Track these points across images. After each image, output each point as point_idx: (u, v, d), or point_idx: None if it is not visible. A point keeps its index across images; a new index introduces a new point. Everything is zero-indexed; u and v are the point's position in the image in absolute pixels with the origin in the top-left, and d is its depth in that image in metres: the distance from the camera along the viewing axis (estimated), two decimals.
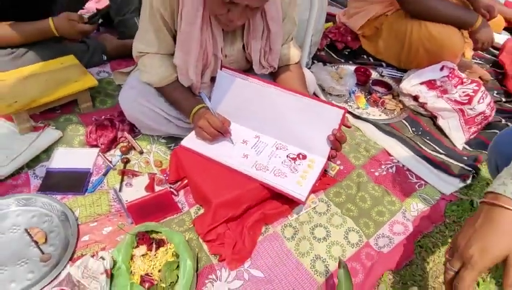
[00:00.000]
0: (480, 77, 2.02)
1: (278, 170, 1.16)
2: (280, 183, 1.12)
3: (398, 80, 1.86)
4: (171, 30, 1.19)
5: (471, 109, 1.64)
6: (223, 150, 1.21)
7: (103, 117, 1.41)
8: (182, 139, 1.26)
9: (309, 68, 1.82)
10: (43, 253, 1.04)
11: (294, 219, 1.18)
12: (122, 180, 1.24)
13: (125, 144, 1.34)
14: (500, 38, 2.33)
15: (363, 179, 1.34)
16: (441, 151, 1.53)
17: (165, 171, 1.29)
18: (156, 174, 1.27)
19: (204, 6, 1.10)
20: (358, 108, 1.72)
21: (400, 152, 1.48)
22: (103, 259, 0.98)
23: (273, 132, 1.25)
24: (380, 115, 1.70)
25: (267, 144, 1.24)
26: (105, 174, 1.26)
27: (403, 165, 1.43)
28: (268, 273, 1.04)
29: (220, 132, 1.20)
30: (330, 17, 2.36)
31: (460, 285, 0.70)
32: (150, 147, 1.37)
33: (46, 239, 1.07)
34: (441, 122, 1.66)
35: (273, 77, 1.35)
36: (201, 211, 1.17)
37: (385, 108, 1.74)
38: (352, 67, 1.93)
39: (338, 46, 2.13)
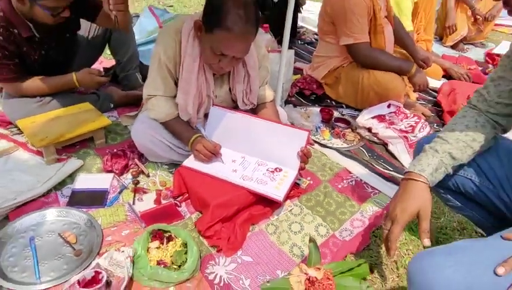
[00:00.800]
0: (423, 114, 2.45)
1: (260, 180, 1.48)
2: (262, 188, 1.44)
3: (355, 117, 2.26)
4: (173, 77, 1.56)
5: (414, 136, 2.04)
6: (216, 167, 1.53)
7: (115, 150, 1.72)
8: (180, 164, 1.57)
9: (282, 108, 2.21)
10: (75, 250, 1.30)
11: (275, 219, 1.49)
12: (134, 196, 1.53)
13: (135, 169, 1.65)
14: (438, 83, 2.83)
15: (329, 189, 1.67)
16: (391, 169, 1.89)
17: (169, 189, 1.58)
18: (162, 190, 1.57)
19: (200, 58, 1.49)
20: (324, 139, 2.09)
21: (358, 170, 1.83)
22: (125, 252, 1.25)
23: (255, 152, 1.59)
24: (342, 144, 2.07)
25: (251, 162, 1.57)
26: (120, 192, 1.55)
27: (361, 180, 1.77)
28: (256, 258, 1.32)
29: (213, 153, 1.53)
30: (298, 71, 2.82)
31: (391, 236, 1.03)
32: (155, 172, 1.68)
33: (76, 240, 1.33)
34: (390, 147, 2.04)
35: (254, 111, 1.72)
36: (201, 215, 1.46)
37: (346, 139, 2.11)
38: (317, 109, 2.34)
39: (306, 93, 2.55)
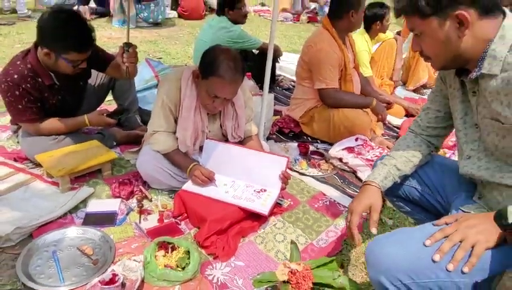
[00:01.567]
0: (387, 147, 2.81)
1: (249, 198, 1.76)
2: (251, 205, 1.72)
3: (329, 150, 2.60)
4: (174, 116, 1.87)
5: None
6: (210, 190, 1.81)
7: (121, 179, 1.98)
8: (178, 190, 1.84)
9: None
10: (92, 259, 1.52)
11: (261, 231, 1.75)
12: (140, 217, 1.78)
13: (140, 195, 1.90)
14: (400, 121, 3.23)
15: (307, 208, 1.96)
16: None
17: (170, 210, 1.83)
18: (163, 212, 1.82)
19: (197, 99, 1.82)
20: (302, 169, 2.39)
21: (332, 193, 2.13)
22: (136, 259, 1.49)
23: (243, 177, 1.88)
24: (317, 173, 2.37)
25: (240, 185, 1.86)
26: (127, 214, 1.79)
27: (334, 200, 2.07)
28: (247, 262, 1.57)
29: (208, 178, 1.82)
30: (277, 112, 3.17)
31: (351, 224, 1.31)
32: (157, 197, 1.94)
33: (93, 252, 1.56)
34: (359, 174, 2.36)
35: (241, 143, 2.02)
36: (198, 230, 1.71)
37: (321, 168, 2.43)
38: (295, 144, 2.67)
39: (285, 131, 2.89)
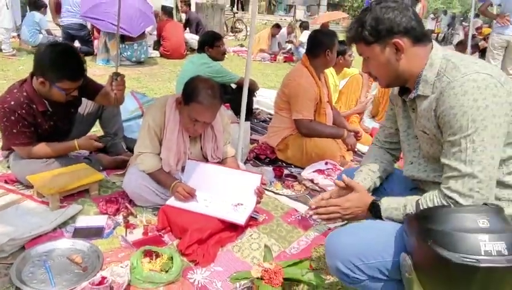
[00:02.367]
0: None
1: (227, 211, 1.94)
2: (228, 216, 1.89)
3: (301, 173, 2.81)
4: (159, 139, 2.07)
5: None
6: (192, 205, 1.98)
7: (107, 198, 2.12)
8: (159, 208, 2.00)
9: None
10: (81, 267, 1.64)
11: (239, 241, 1.92)
12: (126, 230, 1.92)
13: (126, 212, 2.05)
14: (367, 148, 3.50)
15: (280, 222, 2.14)
16: None
17: (154, 225, 1.98)
18: (148, 226, 1.96)
19: (179, 124, 2.03)
20: (276, 190, 2.59)
21: (304, 209, 2.33)
22: (123, 267, 1.62)
23: (222, 192, 2.06)
24: (291, 193, 2.57)
25: (219, 200, 2.04)
26: (114, 228, 1.93)
27: (305, 215, 2.26)
28: (225, 267, 1.73)
29: (189, 194, 1.99)
30: (254, 141, 3.41)
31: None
32: (142, 213, 2.08)
33: (82, 261, 1.68)
34: None
35: (219, 163, 2.22)
36: (180, 240, 1.86)
37: (294, 189, 2.63)
38: (271, 168, 2.88)
39: (261, 157, 3.11)
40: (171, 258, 1.67)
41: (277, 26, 9.31)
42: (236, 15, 13.68)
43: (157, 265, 1.64)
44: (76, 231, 1.87)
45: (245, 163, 2.91)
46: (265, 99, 4.73)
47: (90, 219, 1.98)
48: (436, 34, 15.54)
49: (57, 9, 6.77)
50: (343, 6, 24.94)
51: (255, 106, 4.44)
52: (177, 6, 9.95)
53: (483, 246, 1.01)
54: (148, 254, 1.69)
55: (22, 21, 6.79)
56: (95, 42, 6.73)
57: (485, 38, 8.03)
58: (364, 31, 1.32)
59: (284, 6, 19.08)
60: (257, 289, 1.49)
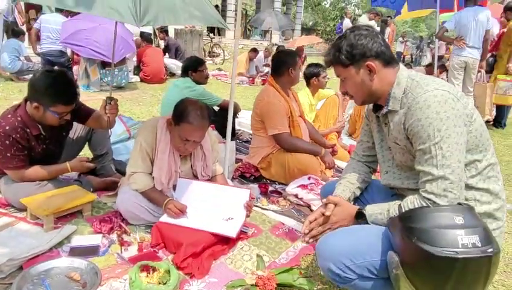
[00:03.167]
0: None
1: (218, 225, 2.04)
2: (220, 230, 1.99)
3: (285, 189, 2.94)
4: (150, 158, 2.16)
5: None
6: (184, 221, 2.06)
7: (101, 218, 2.18)
8: (152, 225, 2.08)
9: None
10: (80, 283, 1.70)
11: (231, 254, 2.01)
12: (121, 248, 1.98)
13: (119, 230, 2.11)
14: (345, 164, 3.68)
15: (268, 234, 2.25)
16: None
17: (148, 242, 2.05)
18: (142, 242, 2.03)
19: (170, 143, 2.14)
20: (263, 206, 2.71)
21: (290, 222, 2.45)
22: (121, 282, 1.69)
23: (212, 207, 2.16)
24: (277, 208, 2.69)
25: (210, 215, 2.13)
26: (109, 246, 1.99)
27: (292, 228, 2.38)
28: (220, 279, 1.81)
29: (181, 211, 2.08)
30: (239, 160, 3.53)
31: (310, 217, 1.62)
32: (135, 231, 2.15)
33: (80, 278, 1.73)
34: (313, 207, 2.71)
35: (209, 181, 2.33)
36: (175, 254, 1.94)
37: (279, 204, 2.75)
38: (256, 185, 3.00)
39: (246, 176, 3.22)
40: (168, 271, 1.74)
41: (254, 50, 9.60)
42: (213, 40, 13.99)
43: (155, 278, 1.72)
44: (73, 250, 1.92)
45: (232, 181, 3.03)
46: (247, 121, 4.89)
47: (85, 238, 2.03)
48: (404, 56, 16.33)
49: (37, 37, 6.81)
50: (316, 30, 25.90)
51: (237, 127, 4.59)
52: (155, 33, 10.15)
53: (461, 240, 1.17)
54: (145, 268, 1.76)
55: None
56: (74, 68, 6.77)
57: None
58: (341, 55, 1.50)
59: (259, 31, 19.63)
60: None
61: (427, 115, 1.33)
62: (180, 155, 2.21)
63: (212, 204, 2.17)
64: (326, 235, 1.48)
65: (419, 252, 1.19)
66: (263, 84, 8.90)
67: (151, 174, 2.16)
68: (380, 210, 1.48)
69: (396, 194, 1.66)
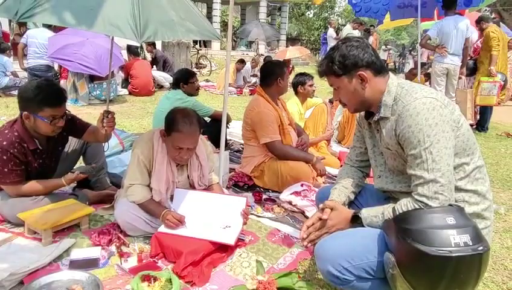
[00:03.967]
0: None
1: (216, 233, 2.08)
2: (218, 238, 2.03)
3: (279, 197, 3.00)
4: (148, 170, 2.20)
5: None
6: (182, 230, 2.10)
7: (99, 230, 2.20)
8: (151, 236, 2.11)
9: None
10: None
11: (230, 261, 2.05)
12: (121, 259, 2.00)
13: (118, 242, 2.13)
14: (336, 171, 3.76)
15: (265, 241, 2.30)
16: None
17: (147, 252, 2.08)
18: (141, 253, 2.06)
19: (167, 154, 2.18)
20: (258, 213, 2.75)
21: (285, 228, 2.50)
22: None
23: (210, 216, 2.20)
24: (271, 215, 2.74)
25: (208, 223, 2.17)
26: (109, 258, 2.01)
27: (288, 234, 2.43)
28: (220, 286, 1.85)
29: (179, 221, 2.11)
30: (231, 170, 3.57)
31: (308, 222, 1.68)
32: (134, 243, 2.17)
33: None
34: (307, 213, 2.76)
35: (206, 190, 2.37)
36: (175, 263, 1.97)
37: (274, 212, 2.80)
38: (250, 193, 3.05)
39: (240, 185, 3.27)
40: (169, 281, 1.78)
41: (241, 62, 9.71)
42: (200, 52, 14.08)
43: (156, 288, 1.74)
44: (72, 263, 1.93)
45: (226, 190, 3.07)
46: (237, 131, 4.96)
47: (84, 251, 2.04)
48: (387, 64, 16.66)
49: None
50: (301, 40, 26.26)
51: (228, 137, 4.64)
52: (141, 46, 10.17)
53: (453, 239, 1.24)
54: (146, 278, 1.79)
55: None
56: (61, 82, 6.75)
57: None
58: (334, 66, 1.57)
59: (245, 42, 19.82)
60: None
61: (417, 121, 1.41)
62: (177, 166, 2.25)
63: (210, 213, 2.21)
64: (324, 239, 1.54)
65: (414, 252, 1.26)
66: (251, 94, 8.99)
67: (148, 185, 2.19)
68: (375, 213, 1.55)
69: (389, 197, 1.74)
